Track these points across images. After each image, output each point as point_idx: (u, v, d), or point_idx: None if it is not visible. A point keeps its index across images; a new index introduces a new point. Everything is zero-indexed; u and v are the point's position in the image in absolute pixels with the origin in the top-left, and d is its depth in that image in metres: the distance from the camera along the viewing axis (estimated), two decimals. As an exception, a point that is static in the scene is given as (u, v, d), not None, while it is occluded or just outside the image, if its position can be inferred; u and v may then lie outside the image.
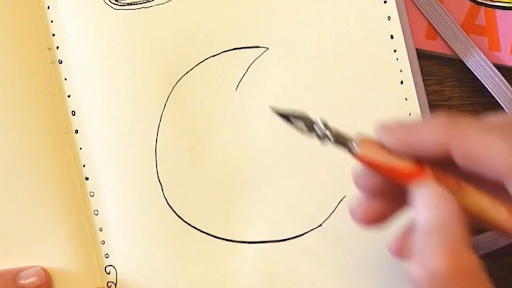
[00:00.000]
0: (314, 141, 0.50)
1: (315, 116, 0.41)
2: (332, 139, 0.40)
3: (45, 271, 0.50)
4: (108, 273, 0.51)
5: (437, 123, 0.40)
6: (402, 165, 0.39)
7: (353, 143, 0.40)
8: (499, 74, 0.51)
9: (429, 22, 0.53)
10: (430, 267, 0.37)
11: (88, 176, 0.52)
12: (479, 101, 0.54)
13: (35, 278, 0.50)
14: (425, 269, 0.37)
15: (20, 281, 0.49)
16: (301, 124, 0.41)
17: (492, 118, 0.41)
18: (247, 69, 0.52)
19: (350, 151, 0.40)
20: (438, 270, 0.37)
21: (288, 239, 0.51)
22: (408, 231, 0.41)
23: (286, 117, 0.42)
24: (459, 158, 0.39)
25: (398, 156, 0.40)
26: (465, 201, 0.39)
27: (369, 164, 0.40)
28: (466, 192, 0.39)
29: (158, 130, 0.52)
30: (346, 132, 0.40)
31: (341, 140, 0.40)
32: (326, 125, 0.41)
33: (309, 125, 0.41)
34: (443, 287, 0.37)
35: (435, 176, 0.39)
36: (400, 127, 0.40)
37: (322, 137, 0.41)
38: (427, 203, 0.39)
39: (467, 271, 0.37)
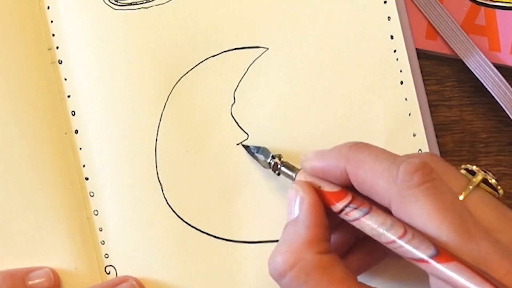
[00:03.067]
0: (314, 141, 0.51)
1: (273, 153, 0.49)
2: (282, 172, 0.48)
3: (53, 272, 0.50)
4: (108, 273, 0.51)
5: (339, 149, 0.43)
6: (329, 188, 0.44)
7: (295, 175, 0.47)
8: (499, 74, 0.51)
9: (429, 22, 0.53)
10: (274, 261, 0.43)
11: (88, 176, 0.52)
12: (479, 101, 0.54)
13: (44, 279, 0.50)
14: (272, 262, 0.43)
15: (29, 282, 0.49)
16: (262, 157, 0.50)
17: (402, 156, 0.43)
18: (247, 69, 0.52)
19: (292, 179, 0.47)
20: (277, 265, 0.42)
21: (288, 239, 0.51)
22: None
23: (251, 152, 0.51)
24: (353, 183, 0.42)
25: (327, 183, 0.44)
26: (370, 220, 0.41)
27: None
28: (373, 212, 0.42)
29: (158, 130, 0.52)
30: (294, 166, 0.47)
31: (289, 173, 0.47)
32: (280, 160, 0.48)
33: (267, 158, 0.49)
34: (282, 281, 0.42)
35: (352, 199, 0.43)
36: (314, 155, 0.45)
37: (276, 171, 0.48)
38: (288, 199, 0.44)
39: (305, 270, 0.41)
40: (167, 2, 0.52)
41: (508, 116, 0.52)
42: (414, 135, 0.51)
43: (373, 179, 0.41)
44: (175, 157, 0.51)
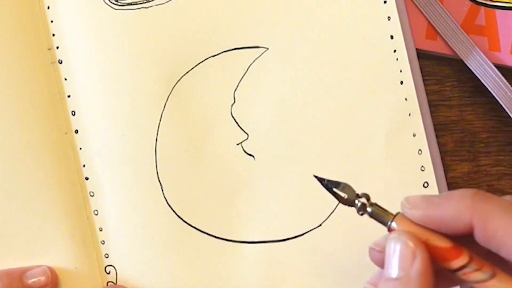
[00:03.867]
0: (314, 142, 0.50)
1: (358, 190, 0.42)
2: (372, 215, 0.41)
3: (51, 270, 0.50)
4: (108, 273, 0.51)
5: (461, 198, 0.39)
6: (440, 242, 0.39)
7: (391, 221, 0.40)
8: (499, 74, 0.51)
9: (429, 22, 0.53)
10: None
11: (88, 176, 0.52)
12: (479, 101, 0.54)
13: (41, 277, 0.50)
14: None
15: (27, 280, 0.49)
16: (344, 195, 0.42)
17: None
18: (247, 69, 0.52)
19: (388, 228, 0.40)
20: None
21: (288, 239, 0.51)
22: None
23: (329, 187, 0.43)
24: (479, 236, 0.38)
25: (436, 235, 0.39)
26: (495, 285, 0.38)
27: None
28: (498, 276, 0.38)
29: (158, 130, 0.52)
30: (385, 210, 0.41)
31: (379, 217, 0.41)
32: (368, 201, 0.41)
33: (352, 198, 0.42)
34: None
35: (470, 258, 0.38)
36: (424, 202, 0.39)
37: (362, 212, 0.41)
38: (392, 252, 0.38)
39: None
40: (167, 2, 0.52)
41: (508, 116, 0.52)
42: (414, 135, 0.51)
43: (506, 234, 0.37)
44: (175, 157, 0.51)
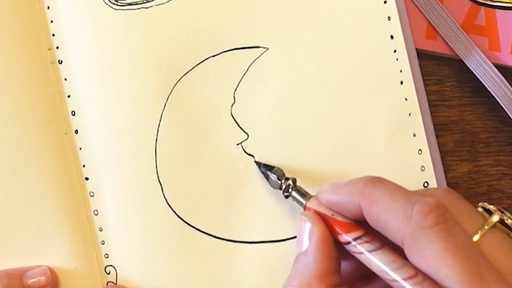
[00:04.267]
0: (314, 141, 0.51)
1: (287, 175, 0.49)
2: (293, 196, 0.48)
3: (51, 270, 0.50)
4: (108, 273, 0.51)
5: (355, 184, 0.43)
6: (340, 218, 0.44)
7: (305, 203, 0.46)
8: (499, 74, 0.51)
9: (429, 22, 0.53)
10: None
11: (88, 176, 0.52)
12: (479, 101, 0.54)
13: (41, 277, 0.50)
14: None
15: (27, 281, 0.49)
16: (273, 176, 0.49)
17: (418, 190, 0.43)
18: (247, 69, 0.52)
19: (304, 208, 0.46)
20: None
21: (288, 239, 0.51)
22: None
23: (263, 170, 0.50)
24: (367, 219, 0.42)
25: (340, 214, 0.44)
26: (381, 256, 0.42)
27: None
28: (384, 248, 0.42)
29: (158, 130, 0.52)
30: (305, 193, 0.47)
31: (299, 198, 0.47)
32: (294, 183, 0.48)
33: (280, 180, 0.49)
34: None
35: (364, 233, 0.43)
36: (330, 188, 0.45)
37: (286, 193, 0.48)
38: (298, 230, 0.45)
39: None
40: (167, 2, 0.52)
41: (508, 116, 0.52)
42: (414, 135, 0.51)
43: (387, 217, 0.40)
44: (175, 157, 0.51)
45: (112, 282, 0.51)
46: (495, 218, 0.42)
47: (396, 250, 0.41)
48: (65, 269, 0.51)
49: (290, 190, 0.48)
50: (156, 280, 0.51)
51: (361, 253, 0.42)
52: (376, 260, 0.41)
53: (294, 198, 0.47)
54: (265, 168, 0.50)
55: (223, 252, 0.51)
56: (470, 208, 0.42)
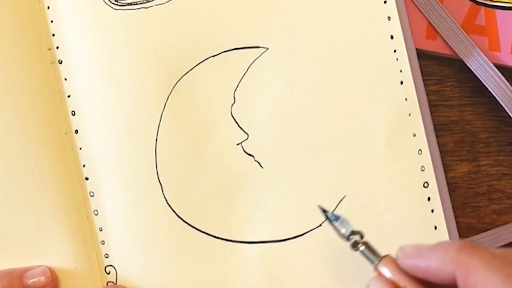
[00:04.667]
0: (314, 141, 0.50)
1: (356, 228, 0.45)
2: (362, 252, 0.44)
3: (51, 270, 0.50)
4: (108, 273, 0.51)
5: (447, 249, 0.40)
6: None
7: (377, 263, 0.43)
8: (500, 74, 0.51)
9: (429, 22, 0.53)
10: None
11: (88, 176, 0.52)
12: (479, 101, 0.54)
13: (41, 277, 0.50)
14: None
15: (27, 281, 0.49)
16: (342, 228, 0.46)
17: (506, 251, 0.41)
18: (247, 69, 0.52)
19: (375, 268, 0.43)
20: None
21: (288, 239, 0.51)
22: None
23: (329, 216, 0.46)
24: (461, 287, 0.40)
25: (417, 283, 0.42)
26: None
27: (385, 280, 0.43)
28: None
29: (158, 130, 0.52)
30: (374, 251, 0.44)
31: (369, 256, 0.44)
32: (362, 239, 0.45)
33: (347, 233, 0.45)
34: None
35: None
36: (415, 252, 0.42)
37: (355, 248, 0.45)
38: None
39: None
40: (167, 2, 0.52)
41: (508, 116, 0.52)
42: (414, 135, 0.51)
43: None
44: (175, 157, 0.51)
45: (112, 282, 0.51)
46: None
47: None
48: (65, 269, 0.51)
49: (359, 246, 0.45)
50: (156, 280, 0.51)
51: None
52: None
53: (364, 255, 0.44)
54: (333, 217, 0.46)
55: (223, 252, 0.51)
56: None
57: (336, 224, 0.46)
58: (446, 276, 0.40)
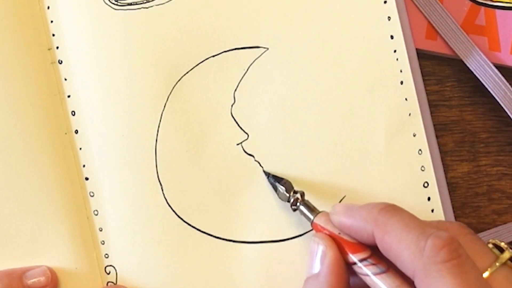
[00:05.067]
0: (314, 141, 0.50)
1: (296, 188, 0.49)
2: (300, 210, 0.48)
3: (51, 270, 0.50)
4: (108, 273, 0.51)
5: (370, 209, 0.43)
6: (347, 238, 0.44)
7: (313, 218, 0.47)
8: (499, 74, 0.51)
9: (429, 22, 0.53)
10: None
11: (88, 176, 0.52)
12: (479, 101, 0.54)
13: (41, 277, 0.50)
14: None
15: (27, 281, 0.49)
16: (282, 188, 0.49)
17: (431, 222, 0.43)
18: (247, 69, 0.52)
19: (311, 223, 0.47)
20: None
21: (288, 239, 0.51)
22: None
23: (272, 181, 0.50)
24: (380, 247, 0.42)
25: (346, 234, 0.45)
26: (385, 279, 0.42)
27: (319, 230, 0.46)
28: (390, 272, 0.42)
29: (158, 130, 0.52)
30: (313, 208, 0.47)
31: (306, 213, 0.47)
32: (302, 197, 0.48)
33: (288, 192, 0.49)
34: None
35: (371, 254, 0.43)
36: (344, 210, 0.45)
37: (294, 206, 0.48)
38: (309, 252, 0.45)
39: None
40: (167, 2, 0.52)
41: (508, 116, 0.52)
42: (414, 135, 0.51)
43: (399, 247, 0.40)
44: (175, 157, 0.51)
45: (112, 282, 0.51)
46: (506, 255, 0.41)
47: (402, 274, 0.41)
48: (65, 269, 0.51)
49: (298, 203, 0.48)
50: (156, 280, 0.51)
51: (367, 275, 0.42)
52: (381, 284, 0.41)
53: (302, 212, 0.48)
54: (274, 179, 0.50)
55: (223, 252, 0.51)
56: (481, 244, 0.42)
57: (277, 185, 0.49)
58: (366, 234, 0.42)
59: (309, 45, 0.52)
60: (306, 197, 0.48)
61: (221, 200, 0.51)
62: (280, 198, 0.49)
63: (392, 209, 0.43)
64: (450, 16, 0.52)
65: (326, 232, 0.45)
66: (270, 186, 0.51)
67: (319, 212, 0.47)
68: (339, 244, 0.44)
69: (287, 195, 0.49)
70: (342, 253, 0.44)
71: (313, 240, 0.45)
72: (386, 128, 0.51)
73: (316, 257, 0.44)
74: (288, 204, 0.49)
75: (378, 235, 0.42)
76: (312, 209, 0.47)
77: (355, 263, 0.43)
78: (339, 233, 0.44)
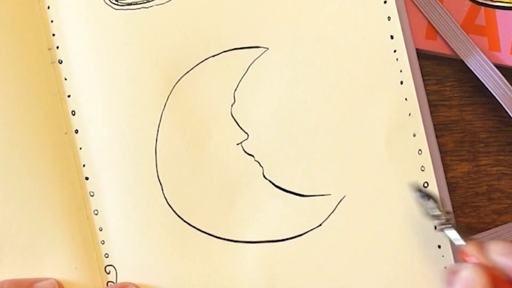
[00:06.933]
0: (314, 141, 0.50)
1: (447, 207, 0.48)
2: (450, 234, 0.46)
3: (59, 284, 0.50)
4: (108, 273, 0.51)
5: None
6: (501, 274, 0.43)
7: (465, 241, 0.46)
8: (500, 74, 0.51)
9: (429, 22, 0.53)
10: None
11: (88, 176, 0.52)
12: (479, 101, 0.54)
13: None
14: None
15: None
16: (430, 205, 0.47)
17: None
18: (247, 69, 0.52)
19: (459, 245, 0.46)
20: None
21: (288, 239, 0.51)
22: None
23: (422, 194, 0.48)
24: None
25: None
26: None
27: (469, 259, 0.45)
28: None
29: (158, 130, 0.52)
30: (462, 233, 0.46)
31: (456, 237, 0.46)
32: (453, 219, 0.47)
33: (440, 212, 0.47)
34: None
35: None
36: (506, 250, 0.44)
37: (441, 226, 0.47)
38: (462, 281, 0.43)
39: None
40: (167, 2, 0.52)
41: (508, 115, 0.52)
42: (414, 135, 0.51)
43: None
44: (175, 157, 0.51)
45: (112, 282, 0.51)
46: None
47: None
48: (65, 269, 0.51)
49: (450, 226, 0.46)
50: (156, 280, 0.51)
51: None
52: None
53: (451, 234, 0.46)
54: (423, 196, 0.48)
55: (223, 252, 0.51)
56: None
57: (427, 202, 0.47)
58: None
59: (309, 45, 0.52)
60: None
61: (221, 200, 0.51)
62: (429, 215, 0.47)
63: None
64: (450, 16, 0.52)
65: (475, 261, 0.44)
66: (270, 187, 0.51)
67: (470, 238, 0.46)
68: (489, 276, 0.43)
69: (439, 213, 0.47)
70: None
71: (472, 270, 0.43)
72: (386, 128, 0.51)
73: (465, 284, 0.43)
74: (288, 207, 0.49)
75: None
76: (462, 233, 0.46)
77: None
78: (493, 267, 0.43)
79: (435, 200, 0.47)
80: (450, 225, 0.46)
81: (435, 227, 0.47)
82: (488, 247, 0.44)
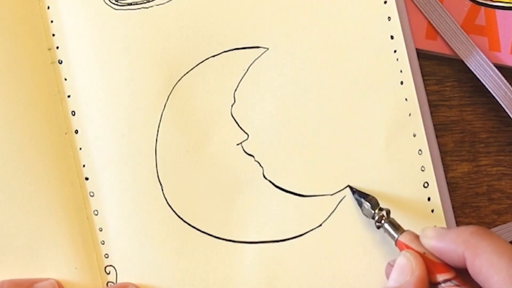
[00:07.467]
0: (314, 142, 0.50)
1: (382, 205, 0.49)
2: (384, 227, 0.48)
3: (59, 284, 0.50)
4: (108, 273, 0.51)
5: (461, 232, 0.43)
6: (433, 257, 0.45)
7: (398, 235, 0.47)
8: (499, 74, 0.51)
9: (429, 22, 0.53)
10: None
11: (88, 176, 0.52)
12: (479, 101, 0.54)
13: None
14: None
15: None
16: (368, 206, 0.49)
17: None
18: (247, 69, 0.52)
19: (395, 241, 0.47)
20: None
21: (288, 239, 0.51)
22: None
23: (358, 197, 0.50)
24: (469, 270, 0.42)
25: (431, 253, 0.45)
26: None
27: (403, 248, 0.46)
28: None
29: (158, 130, 0.52)
30: (398, 226, 0.47)
31: (391, 231, 0.47)
32: (388, 215, 0.48)
33: (373, 209, 0.49)
34: None
35: (455, 276, 0.44)
36: (435, 234, 0.45)
37: (378, 224, 0.48)
38: (398, 266, 0.45)
39: None
40: (167, 2, 0.52)
41: (508, 116, 0.52)
42: (414, 135, 0.51)
43: (489, 271, 0.41)
44: (175, 157, 0.51)
45: (112, 282, 0.51)
46: None
47: None
48: (65, 269, 0.51)
49: (382, 221, 0.48)
50: (156, 280, 0.51)
51: None
52: None
53: (386, 230, 0.48)
54: (359, 195, 0.50)
55: (223, 252, 0.51)
56: None
57: (363, 201, 0.49)
58: (457, 257, 0.43)
59: (309, 45, 0.52)
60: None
61: (221, 200, 0.51)
62: (364, 214, 0.49)
63: (483, 232, 0.43)
64: (450, 16, 0.52)
65: (411, 250, 0.45)
66: (271, 187, 0.51)
67: (404, 230, 0.47)
68: (425, 263, 0.44)
69: (372, 212, 0.48)
70: (428, 273, 0.44)
71: (404, 255, 0.45)
72: (386, 128, 0.51)
73: (403, 271, 0.44)
74: (288, 207, 0.49)
75: (469, 257, 0.42)
76: (396, 227, 0.47)
77: (439, 283, 0.44)
78: (424, 253, 0.45)
79: (369, 200, 0.49)
80: (383, 221, 0.48)
81: (376, 226, 0.48)
82: (420, 233, 0.46)
